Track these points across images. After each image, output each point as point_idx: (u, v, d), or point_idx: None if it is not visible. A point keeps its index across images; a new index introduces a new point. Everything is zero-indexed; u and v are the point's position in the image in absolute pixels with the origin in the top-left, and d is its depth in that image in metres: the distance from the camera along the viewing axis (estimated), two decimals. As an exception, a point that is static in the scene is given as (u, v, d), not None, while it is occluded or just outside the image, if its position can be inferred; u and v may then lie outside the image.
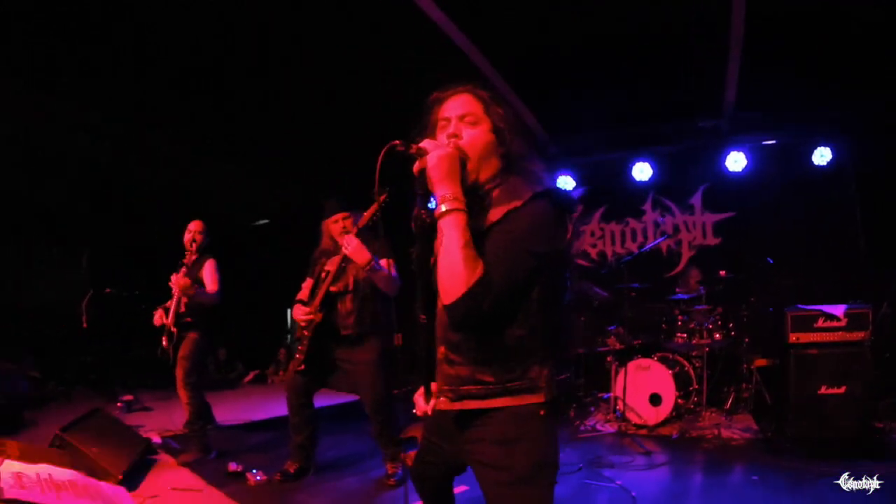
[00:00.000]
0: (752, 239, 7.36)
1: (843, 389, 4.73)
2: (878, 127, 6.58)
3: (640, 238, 8.32)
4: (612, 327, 6.68)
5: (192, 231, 5.19)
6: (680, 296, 6.47)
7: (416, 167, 1.72)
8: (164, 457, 5.03)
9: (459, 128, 1.80)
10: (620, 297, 6.52)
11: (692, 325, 6.20)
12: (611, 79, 6.23)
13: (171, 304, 5.05)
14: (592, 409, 6.69)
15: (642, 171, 7.84)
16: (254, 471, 4.43)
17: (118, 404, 7.25)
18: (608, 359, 6.50)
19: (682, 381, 5.97)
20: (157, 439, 5.38)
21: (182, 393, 4.94)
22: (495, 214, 1.69)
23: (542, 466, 1.71)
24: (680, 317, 6.36)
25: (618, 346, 6.44)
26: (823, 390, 4.76)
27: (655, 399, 5.82)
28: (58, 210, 9.82)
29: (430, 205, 1.78)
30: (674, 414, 5.84)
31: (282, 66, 5.80)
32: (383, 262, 4.11)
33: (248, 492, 4.21)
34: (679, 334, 6.28)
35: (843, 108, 6.67)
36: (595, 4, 4.96)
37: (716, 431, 5.49)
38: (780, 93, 6.53)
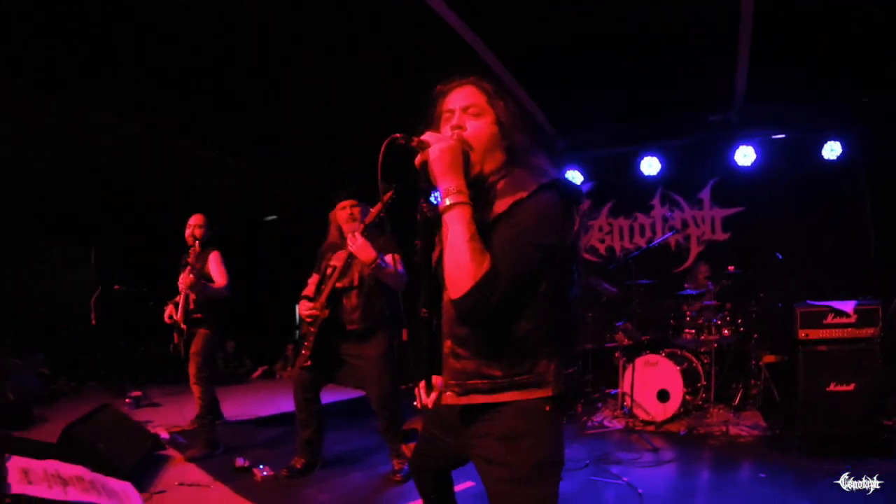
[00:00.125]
0: (761, 234, 7.31)
1: (852, 386, 4.69)
2: (889, 120, 6.52)
3: (648, 233, 8.28)
4: (620, 323, 6.65)
5: (192, 225, 5.19)
6: (688, 291, 6.43)
7: (417, 160, 1.71)
8: (171, 452, 5.05)
9: (463, 119, 1.79)
10: (629, 293, 6.48)
11: (700, 321, 6.16)
12: (619, 73, 6.19)
13: (181, 301, 5.06)
14: (600, 405, 6.68)
15: (650, 166, 7.79)
16: (261, 466, 4.45)
17: (126, 400, 7.29)
18: (616, 354, 6.48)
19: (690, 378, 5.93)
20: (164, 435, 5.39)
21: (195, 388, 4.96)
22: (500, 206, 1.67)
23: (547, 464, 1.70)
24: (688, 312, 6.32)
25: (626, 341, 6.41)
26: (832, 387, 4.73)
27: (663, 395, 5.80)
28: (65, 208, 9.88)
29: (432, 199, 1.77)
30: (682, 410, 5.81)
31: (289, 62, 5.79)
32: (388, 258, 4.10)
33: (254, 487, 4.22)
34: (687, 330, 6.24)
35: (853, 102, 6.61)
36: (604, -1, 4.94)
37: (724, 428, 5.46)
38: (790, 86, 6.48)
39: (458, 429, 1.85)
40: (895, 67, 5.80)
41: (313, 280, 4.53)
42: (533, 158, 1.82)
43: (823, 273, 6.55)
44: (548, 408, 1.69)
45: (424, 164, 1.68)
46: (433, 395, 1.93)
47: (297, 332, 11.65)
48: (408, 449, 3.30)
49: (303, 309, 4.30)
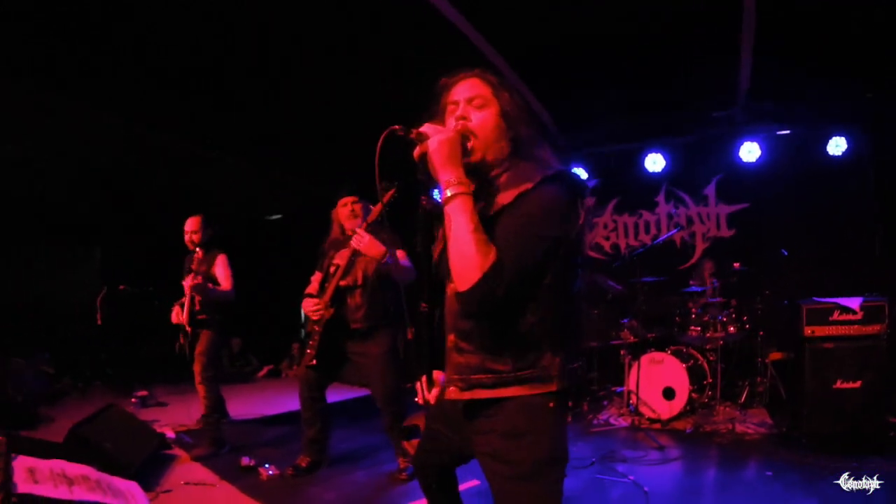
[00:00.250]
0: (766, 230, 7.29)
1: (858, 383, 4.68)
2: (894, 116, 6.48)
3: (653, 230, 8.26)
4: (626, 320, 6.63)
5: (188, 231, 5.20)
6: (694, 288, 6.41)
7: (416, 152, 1.69)
8: (177, 451, 5.06)
9: (468, 110, 1.79)
10: (634, 290, 6.47)
11: (706, 318, 6.14)
12: (623, 70, 6.16)
13: (185, 302, 5.07)
14: (606, 402, 6.67)
15: (655, 163, 7.77)
16: (266, 465, 4.46)
17: (132, 399, 7.30)
18: (621, 352, 6.45)
19: (695, 375, 5.92)
20: (170, 434, 5.41)
21: (200, 388, 4.98)
22: (505, 198, 1.67)
23: (551, 461, 1.70)
24: (694, 310, 6.30)
25: (631, 339, 6.39)
26: (839, 384, 4.71)
27: (669, 393, 5.79)
28: (70, 208, 9.90)
29: (433, 194, 1.76)
30: (687, 408, 5.80)
31: (293, 62, 5.79)
32: (398, 253, 4.11)
33: (260, 486, 4.23)
34: (693, 327, 6.22)
35: (857, 98, 6.57)
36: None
37: (730, 426, 5.45)
38: (794, 81, 6.44)
39: (462, 425, 1.85)
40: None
41: (316, 278, 4.54)
42: (538, 151, 1.82)
43: (829, 269, 6.53)
44: (551, 404, 1.69)
45: (424, 155, 1.66)
46: (435, 391, 1.92)
47: (303, 330, 11.66)
48: (410, 446, 3.29)
49: (307, 307, 4.30)
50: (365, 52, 5.61)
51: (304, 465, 4.44)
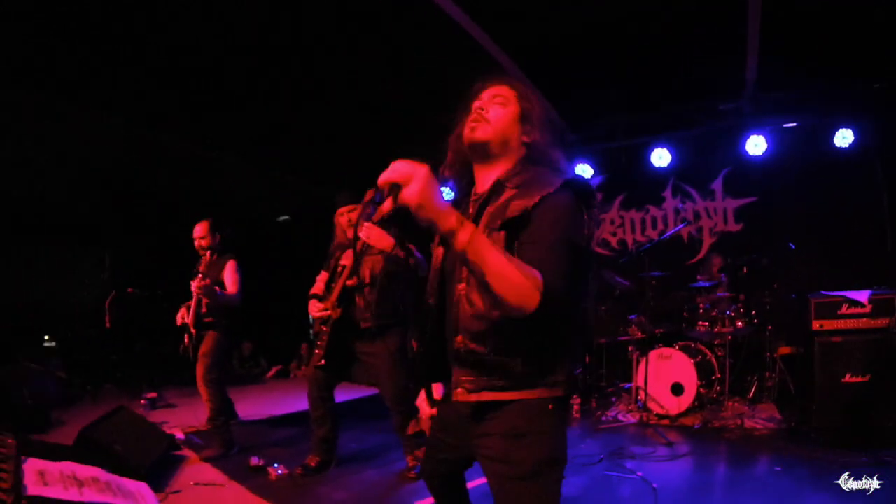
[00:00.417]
0: (774, 224, 7.26)
1: (867, 378, 4.65)
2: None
3: (660, 225, 8.24)
4: (634, 316, 6.62)
5: (197, 237, 5.22)
6: (701, 283, 6.39)
7: (394, 204, 1.47)
8: (187, 453, 5.08)
9: (488, 105, 1.84)
10: (641, 286, 6.45)
11: (714, 313, 6.12)
12: (629, 64, 6.15)
13: (192, 304, 5.09)
14: (614, 399, 6.66)
15: (661, 157, 7.72)
16: (276, 465, 4.47)
17: (142, 402, 7.34)
18: (630, 348, 6.45)
19: (704, 371, 5.90)
20: (180, 435, 5.44)
21: (202, 390, 4.98)
22: (526, 202, 1.67)
23: (551, 462, 1.71)
24: (702, 305, 6.28)
25: (639, 335, 6.39)
26: (848, 378, 4.69)
27: (677, 389, 5.77)
28: (79, 211, 9.95)
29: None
30: (696, 404, 5.78)
31: (301, 65, 5.81)
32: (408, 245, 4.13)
33: (270, 486, 4.24)
34: (701, 322, 6.21)
35: (864, 89, 6.51)
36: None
37: (738, 421, 5.44)
38: (801, 74, 6.40)
39: (463, 429, 1.85)
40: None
41: (322, 277, 4.55)
42: (553, 159, 1.84)
43: (837, 263, 6.50)
44: (551, 406, 1.70)
45: (401, 208, 1.46)
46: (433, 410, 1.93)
47: (311, 330, 11.70)
48: (422, 453, 3.30)
49: (313, 309, 4.31)
50: (367, 52, 5.61)
51: (313, 464, 4.45)
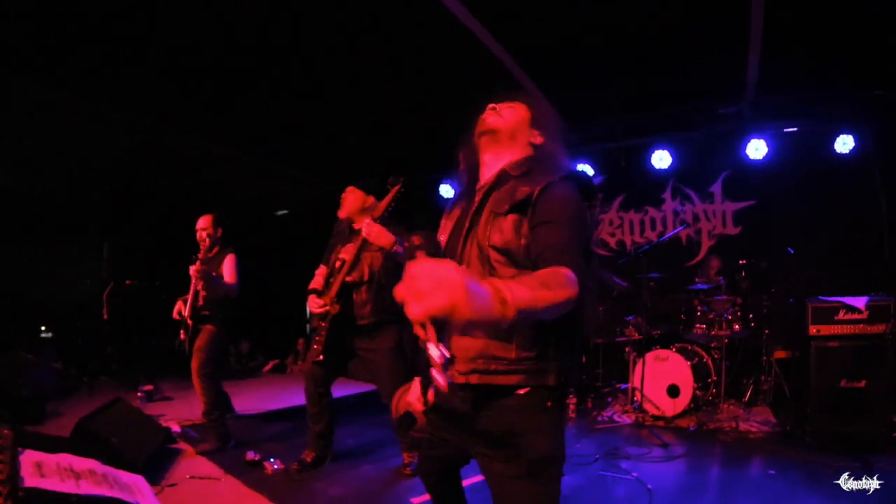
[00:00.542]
0: (773, 228, 7.25)
1: (863, 383, 4.67)
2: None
3: (659, 227, 8.24)
4: (631, 317, 6.63)
5: (200, 229, 5.22)
6: (699, 286, 6.40)
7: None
8: (183, 446, 5.09)
9: (501, 106, 1.96)
10: (639, 287, 6.46)
11: (711, 316, 6.14)
12: (630, 65, 6.14)
13: (189, 297, 5.09)
14: (610, 399, 6.67)
15: (661, 159, 7.72)
16: (272, 459, 4.48)
17: (139, 394, 7.33)
18: (626, 349, 6.46)
19: (700, 373, 5.92)
20: (176, 429, 5.44)
21: (196, 383, 4.97)
22: (525, 189, 1.74)
23: (549, 460, 1.71)
24: (699, 307, 6.30)
25: (636, 336, 6.40)
26: (843, 383, 4.71)
27: (673, 390, 5.79)
28: (76, 204, 9.94)
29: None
30: (692, 406, 5.80)
31: (301, 61, 5.80)
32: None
33: (265, 481, 4.25)
34: (698, 325, 6.22)
35: (865, 95, 6.51)
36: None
37: (734, 424, 5.45)
38: (802, 78, 6.40)
39: (459, 427, 1.86)
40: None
41: (320, 272, 4.54)
42: (558, 161, 1.91)
43: (835, 268, 6.50)
44: (549, 403, 1.71)
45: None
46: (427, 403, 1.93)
47: (308, 326, 11.69)
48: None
49: (312, 304, 4.31)
50: (367, 50, 5.61)
51: (309, 459, 4.46)
